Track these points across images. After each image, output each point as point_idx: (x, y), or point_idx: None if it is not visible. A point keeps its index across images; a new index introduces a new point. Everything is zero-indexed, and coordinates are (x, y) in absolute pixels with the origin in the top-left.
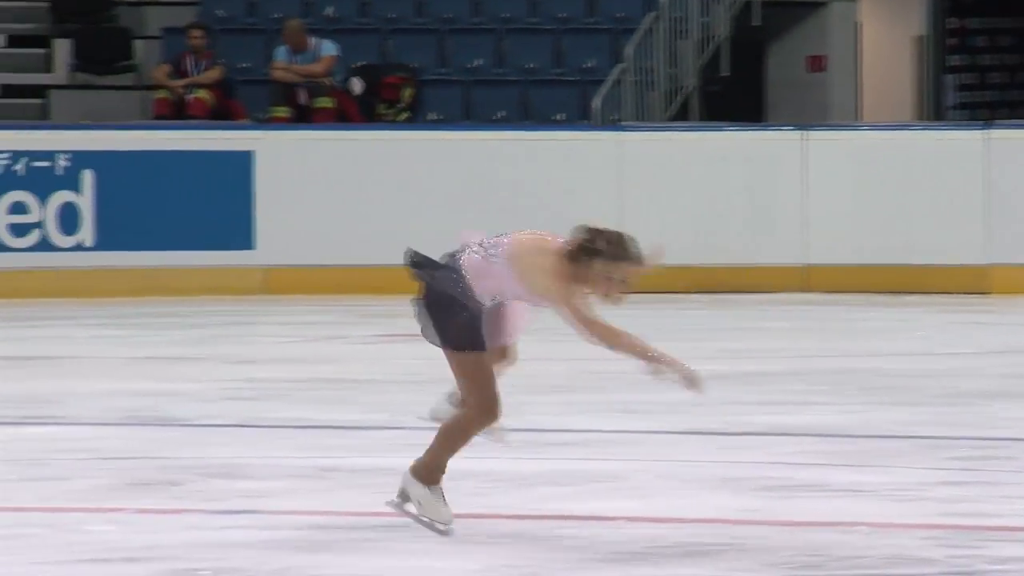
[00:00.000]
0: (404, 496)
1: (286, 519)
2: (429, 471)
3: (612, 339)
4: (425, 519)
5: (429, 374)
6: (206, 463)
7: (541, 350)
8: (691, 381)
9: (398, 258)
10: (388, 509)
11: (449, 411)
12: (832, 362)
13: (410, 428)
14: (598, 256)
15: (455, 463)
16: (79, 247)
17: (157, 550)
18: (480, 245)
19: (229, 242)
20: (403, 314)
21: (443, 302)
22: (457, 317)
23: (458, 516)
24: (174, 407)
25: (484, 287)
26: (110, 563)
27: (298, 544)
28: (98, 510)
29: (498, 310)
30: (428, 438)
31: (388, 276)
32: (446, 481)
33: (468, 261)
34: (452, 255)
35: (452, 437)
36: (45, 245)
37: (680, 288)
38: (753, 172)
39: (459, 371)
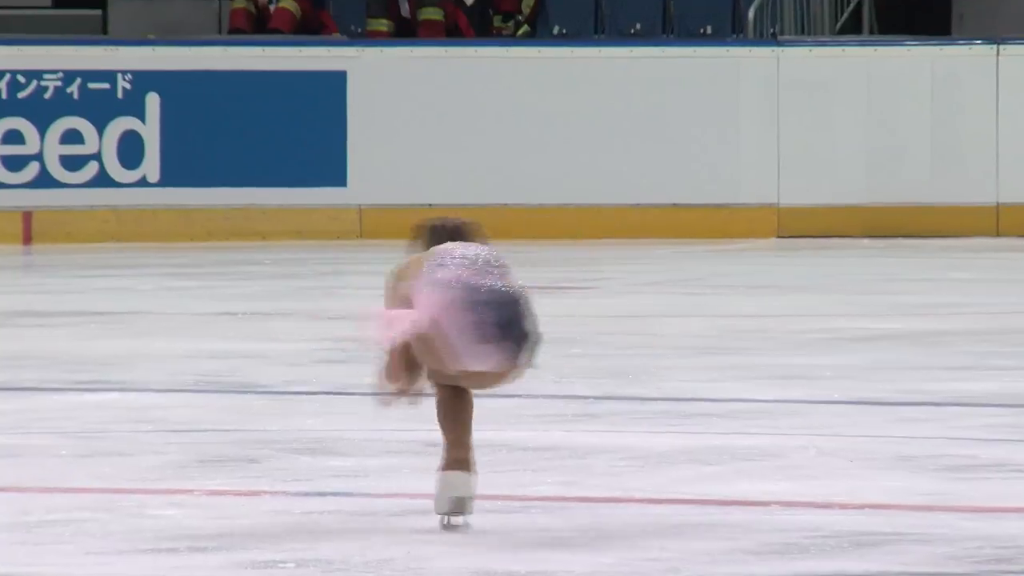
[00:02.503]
0: (461, 505)
1: (384, 503)
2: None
3: None
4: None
5: (554, 333)
6: (291, 437)
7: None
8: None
9: (514, 196)
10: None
11: None
12: None
13: (529, 396)
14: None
15: (583, 439)
16: (142, 183)
17: (231, 538)
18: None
19: (318, 178)
20: (520, 261)
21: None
22: None
23: (588, 500)
24: (254, 371)
25: None
26: (176, 553)
27: (398, 532)
28: (163, 491)
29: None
30: (554, 408)
31: (504, 217)
32: (581, 458)
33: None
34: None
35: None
36: (103, 180)
37: (850, 232)
38: (936, 95)
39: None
